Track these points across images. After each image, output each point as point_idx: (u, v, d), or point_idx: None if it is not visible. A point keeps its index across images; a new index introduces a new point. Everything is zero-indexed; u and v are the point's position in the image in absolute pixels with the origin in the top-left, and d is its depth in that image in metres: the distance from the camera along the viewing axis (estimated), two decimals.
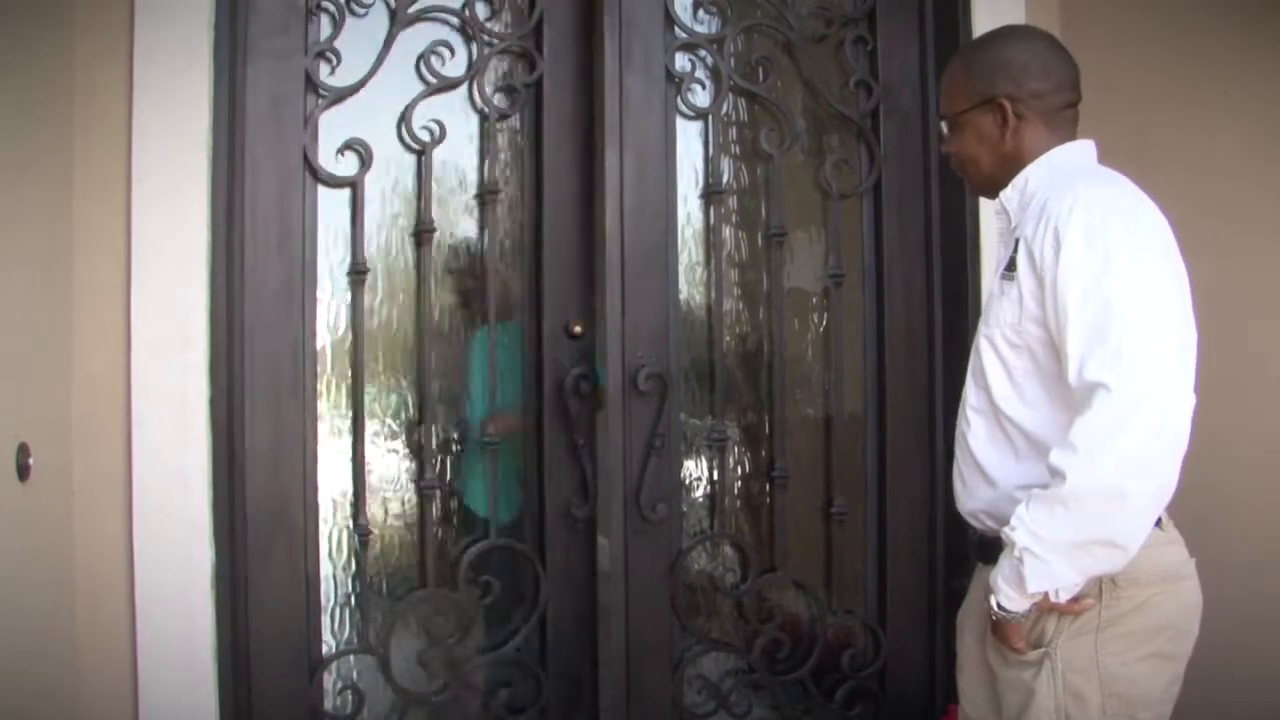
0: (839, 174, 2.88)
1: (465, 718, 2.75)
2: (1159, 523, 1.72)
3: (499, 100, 2.72)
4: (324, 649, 2.64)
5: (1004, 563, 1.66)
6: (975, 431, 1.83)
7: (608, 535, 2.75)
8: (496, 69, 2.74)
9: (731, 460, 2.89)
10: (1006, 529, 1.66)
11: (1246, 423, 2.29)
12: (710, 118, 2.81)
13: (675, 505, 2.77)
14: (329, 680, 2.65)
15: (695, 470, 2.86)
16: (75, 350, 2.45)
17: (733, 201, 2.90)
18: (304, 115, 2.57)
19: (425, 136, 2.65)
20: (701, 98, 2.81)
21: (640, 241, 2.73)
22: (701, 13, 2.81)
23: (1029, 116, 1.82)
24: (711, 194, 2.83)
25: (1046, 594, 1.64)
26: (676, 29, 2.77)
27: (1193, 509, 2.35)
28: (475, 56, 2.68)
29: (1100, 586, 1.68)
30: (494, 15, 2.73)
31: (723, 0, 2.81)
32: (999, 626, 1.73)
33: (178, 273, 2.49)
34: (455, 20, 2.67)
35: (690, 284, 2.84)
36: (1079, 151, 1.86)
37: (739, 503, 2.91)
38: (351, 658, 2.70)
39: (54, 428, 2.38)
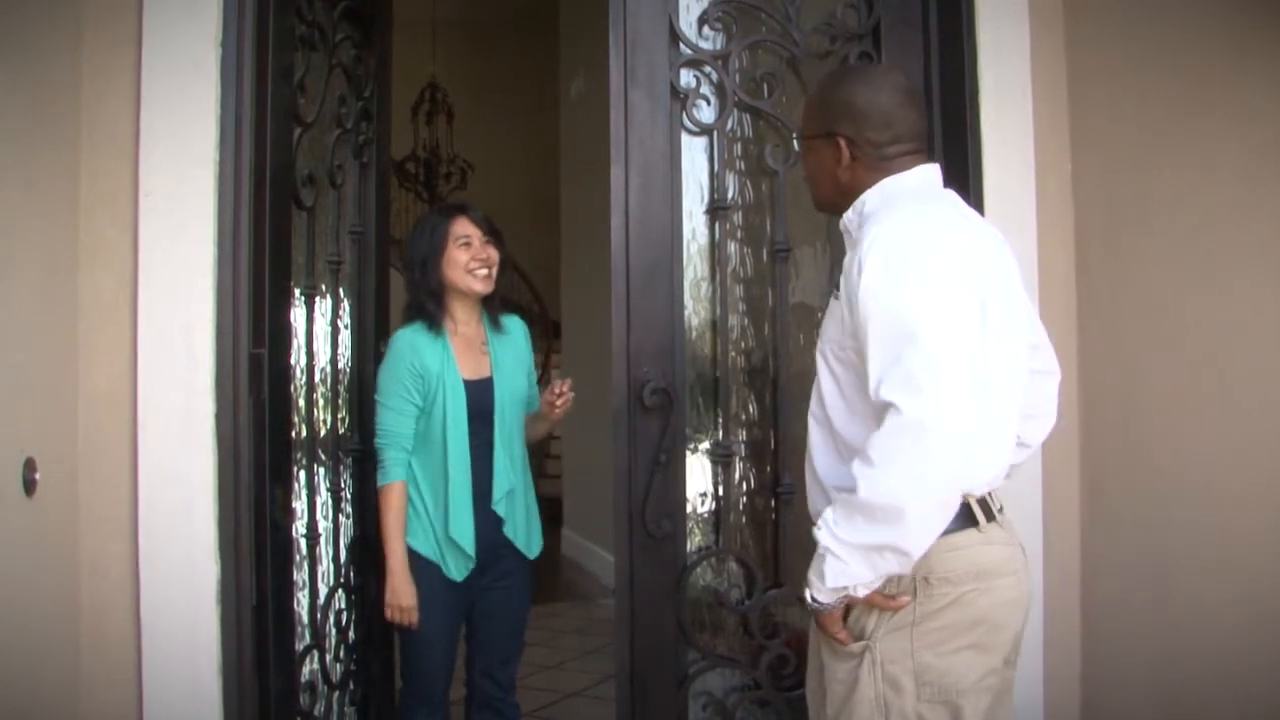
0: None
1: None
2: (977, 525, 1.84)
3: None
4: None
5: (814, 559, 1.80)
6: (813, 439, 1.98)
7: (613, 551, 2.74)
8: None
9: (737, 476, 2.88)
10: (814, 529, 1.79)
11: (1245, 433, 2.29)
12: (715, 133, 2.82)
13: (680, 521, 2.77)
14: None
15: (700, 486, 2.85)
16: (81, 365, 2.46)
17: (738, 217, 2.90)
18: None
19: None
20: (706, 114, 2.82)
21: (645, 257, 2.74)
22: (706, 29, 2.82)
23: (862, 159, 1.92)
24: (716, 209, 2.83)
25: (848, 589, 1.77)
26: (681, 45, 2.78)
27: (1198, 517, 2.39)
28: None
29: (915, 584, 1.81)
30: None
31: (728, 17, 2.82)
32: (818, 618, 1.87)
33: (183, 288, 2.50)
34: None
35: (695, 299, 2.84)
36: (916, 177, 1.93)
37: (744, 518, 2.90)
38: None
39: (60, 443, 2.38)
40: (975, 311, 1.74)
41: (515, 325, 2.99)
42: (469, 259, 2.80)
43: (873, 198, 1.91)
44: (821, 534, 1.77)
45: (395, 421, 2.75)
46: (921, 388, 1.66)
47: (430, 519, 2.77)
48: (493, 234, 2.88)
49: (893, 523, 1.69)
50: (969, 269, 1.78)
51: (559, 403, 2.81)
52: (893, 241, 1.77)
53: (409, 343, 2.79)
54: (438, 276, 2.80)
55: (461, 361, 2.81)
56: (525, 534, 2.89)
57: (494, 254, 2.85)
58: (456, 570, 2.77)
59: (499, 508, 2.79)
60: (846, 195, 1.95)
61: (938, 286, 1.72)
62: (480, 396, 2.81)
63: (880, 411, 1.70)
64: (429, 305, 2.81)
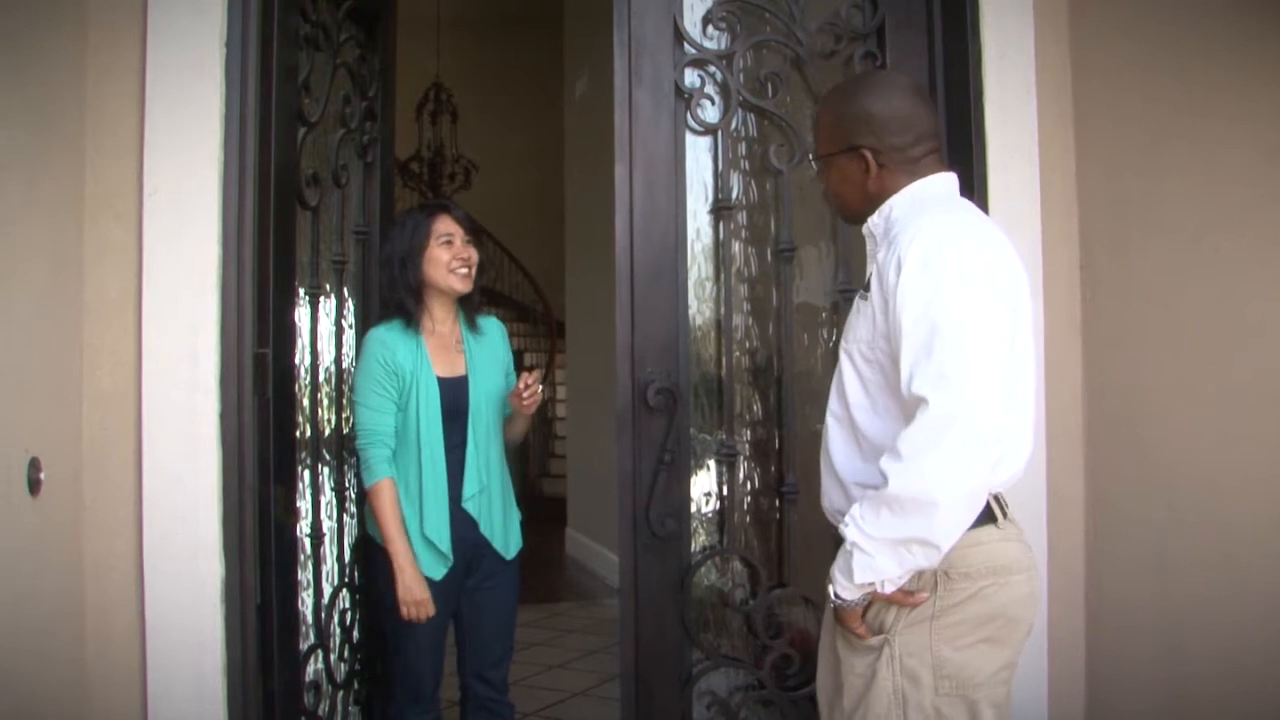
0: None
1: None
2: (995, 521, 1.89)
3: None
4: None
5: (840, 556, 1.83)
6: (832, 436, 1.99)
7: (617, 551, 2.74)
8: None
9: (741, 475, 2.88)
10: (841, 525, 1.83)
11: (1249, 431, 2.29)
12: (720, 133, 2.81)
13: (684, 521, 2.77)
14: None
15: (705, 485, 2.85)
16: (85, 365, 2.47)
17: (742, 216, 2.90)
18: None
19: None
20: (711, 113, 2.82)
21: (649, 256, 2.74)
22: (711, 29, 2.82)
23: (890, 165, 1.96)
24: (721, 209, 2.83)
25: (874, 585, 1.80)
26: (686, 45, 2.78)
27: (1203, 514, 2.38)
28: None
29: (935, 580, 1.85)
30: None
31: (732, 17, 2.82)
32: (839, 613, 1.90)
33: (188, 287, 2.50)
34: None
35: (699, 299, 2.84)
36: (940, 184, 1.98)
37: (748, 518, 2.90)
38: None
39: (65, 443, 2.39)
40: (1007, 317, 1.81)
41: (492, 325, 2.97)
42: (450, 258, 2.78)
43: (900, 202, 1.95)
44: (849, 530, 1.80)
45: (374, 419, 2.73)
46: (952, 382, 1.70)
47: (406, 517, 2.74)
48: (474, 233, 2.87)
49: (924, 515, 1.72)
50: (1003, 277, 1.83)
51: (526, 395, 2.78)
52: (932, 241, 1.80)
53: (380, 340, 2.76)
54: (418, 274, 2.78)
55: (436, 360, 2.79)
56: (503, 534, 2.86)
57: (474, 254, 2.83)
58: (432, 569, 2.72)
59: (469, 506, 2.77)
60: (875, 204, 1.99)
61: (974, 288, 1.77)
62: (455, 394, 2.79)
63: (911, 406, 1.74)
64: (408, 303, 2.78)
